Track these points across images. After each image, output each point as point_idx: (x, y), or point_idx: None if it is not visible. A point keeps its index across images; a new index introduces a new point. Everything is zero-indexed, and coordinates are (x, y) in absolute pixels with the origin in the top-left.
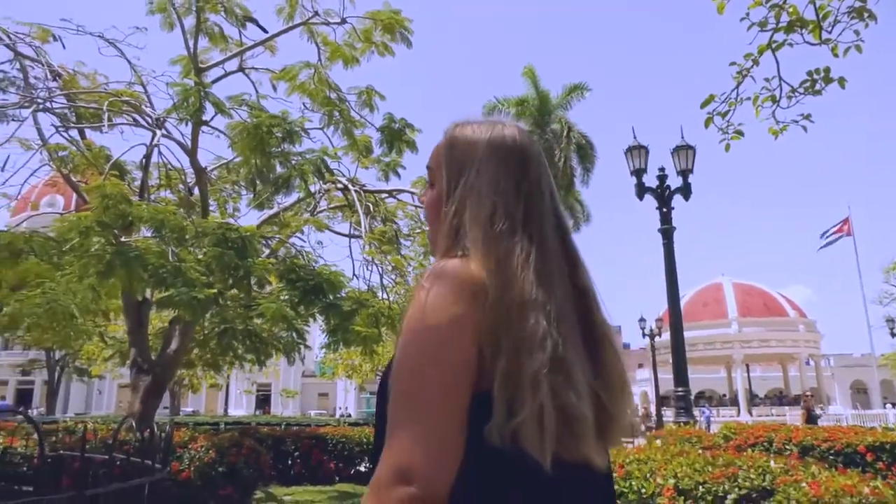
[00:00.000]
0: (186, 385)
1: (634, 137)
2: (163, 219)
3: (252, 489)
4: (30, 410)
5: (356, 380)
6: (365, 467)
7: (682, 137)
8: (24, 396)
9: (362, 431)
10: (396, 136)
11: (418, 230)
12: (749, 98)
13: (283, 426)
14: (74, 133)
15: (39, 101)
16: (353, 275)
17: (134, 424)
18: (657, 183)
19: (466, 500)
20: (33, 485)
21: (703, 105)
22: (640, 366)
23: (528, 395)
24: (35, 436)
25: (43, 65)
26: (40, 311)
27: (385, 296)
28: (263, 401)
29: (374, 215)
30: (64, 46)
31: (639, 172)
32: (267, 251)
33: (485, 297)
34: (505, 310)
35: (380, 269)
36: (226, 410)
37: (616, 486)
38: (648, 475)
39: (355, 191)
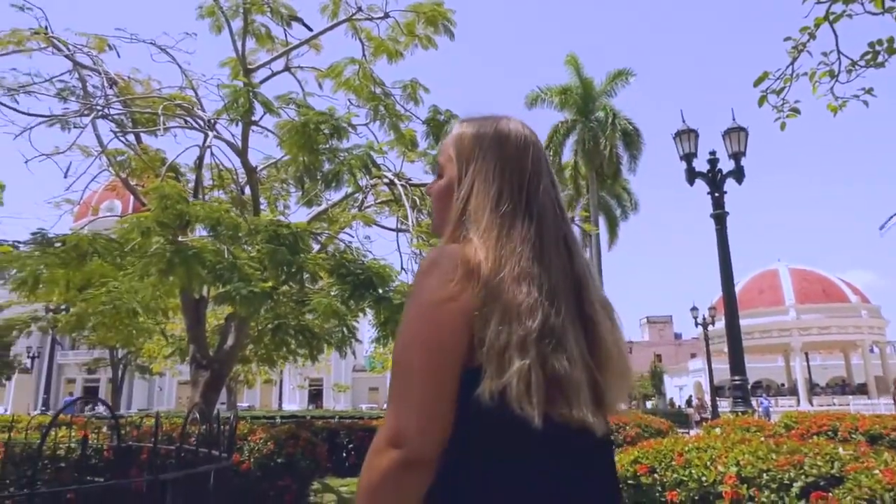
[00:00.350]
0: (242, 381)
1: (683, 121)
2: (218, 217)
3: (309, 480)
4: (95, 407)
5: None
6: None
7: (734, 119)
8: (90, 393)
9: None
10: (441, 127)
11: None
12: (805, 74)
13: (336, 419)
14: (131, 138)
15: (98, 108)
16: (402, 268)
17: (198, 417)
18: (708, 167)
19: (464, 465)
20: (105, 474)
21: (757, 83)
22: (693, 356)
23: (515, 357)
24: (104, 429)
25: (100, 73)
26: (105, 309)
27: None
28: (315, 395)
29: (420, 208)
30: (119, 55)
31: (689, 157)
32: (317, 247)
33: (478, 277)
34: (498, 282)
35: None
36: (280, 405)
37: (675, 475)
38: (709, 463)
39: (402, 185)
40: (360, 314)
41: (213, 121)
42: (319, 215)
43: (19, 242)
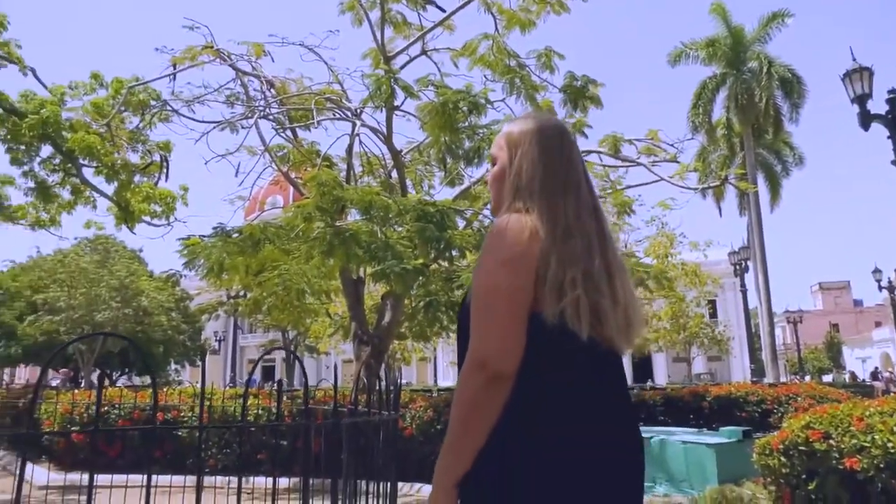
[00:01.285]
0: (399, 358)
1: (853, 59)
2: (370, 199)
3: None
4: (272, 384)
5: None
6: None
7: None
8: (268, 372)
9: None
10: (579, 93)
11: (609, 190)
12: None
13: None
14: (288, 134)
15: (259, 109)
16: None
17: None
18: (887, 108)
19: (531, 374)
20: (288, 437)
21: None
22: (878, 324)
23: (568, 290)
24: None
25: (259, 78)
26: (278, 290)
27: None
28: None
29: None
30: (273, 60)
31: (862, 99)
32: (463, 224)
33: (539, 236)
34: (552, 240)
35: None
36: (435, 381)
37: (855, 440)
38: (895, 428)
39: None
40: None
41: (359, 110)
42: (463, 193)
43: (204, 236)
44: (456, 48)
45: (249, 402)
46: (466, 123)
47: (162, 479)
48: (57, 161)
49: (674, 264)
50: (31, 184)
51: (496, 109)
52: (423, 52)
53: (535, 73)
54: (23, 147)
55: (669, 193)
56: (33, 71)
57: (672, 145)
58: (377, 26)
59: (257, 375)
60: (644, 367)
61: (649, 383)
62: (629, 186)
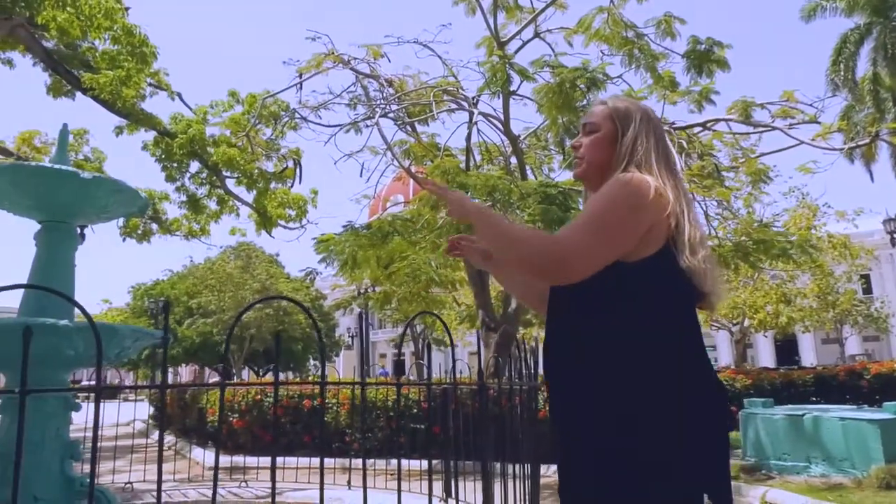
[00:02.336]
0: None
1: None
2: (493, 184)
3: None
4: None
5: None
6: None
7: None
8: (399, 366)
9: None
10: (704, 58)
11: (742, 159)
12: None
13: None
14: (408, 129)
15: (381, 107)
16: None
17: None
18: None
19: (654, 308)
20: (422, 422)
21: None
22: None
23: (700, 249)
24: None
25: (378, 78)
26: (407, 280)
27: (713, 231)
28: None
29: (688, 152)
30: (389, 60)
31: None
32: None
33: (664, 197)
34: (676, 203)
35: (703, 205)
36: None
37: None
38: None
39: (665, 130)
40: None
41: (475, 99)
42: None
43: (335, 235)
44: (569, 27)
45: (381, 393)
46: (585, 102)
47: (306, 462)
48: (204, 175)
49: (819, 237)
50: (183, 197)
51: (615, 84)
52: (536, 35)
53: (655, 41)
54: (175, 164)
55: (810, 158)
56: (179, 95)
57: (811, 105)
58: (490, 13)
59: (388, 368)
60: (788, 349)
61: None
62: (763, 154)
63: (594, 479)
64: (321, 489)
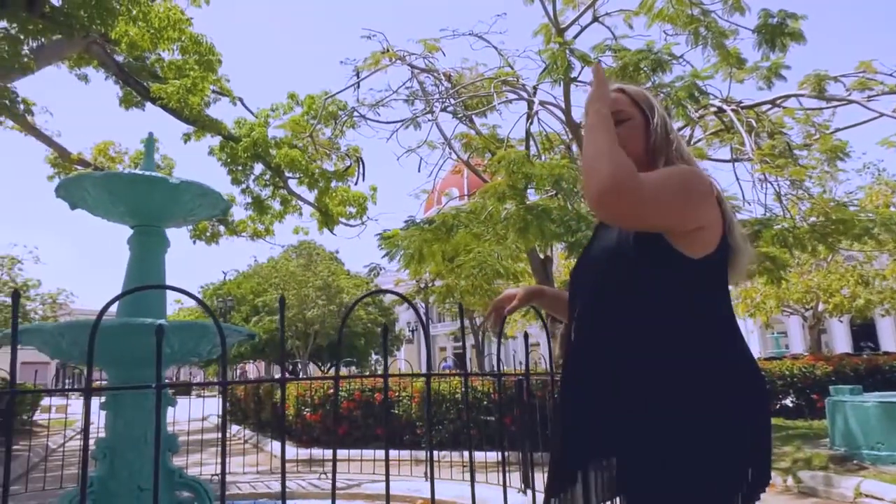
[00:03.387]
0: None
1: None
2: (559, 173)
3: None
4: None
5: (760, 317)
6: (791, 402)
7: None
8: (458, 358)
9: (783, 364)
10: (777, 31)
11: (816, 136)
12: None
13: None
14: (467, 122)
15: (440, 101)
16: (744, 199)
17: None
18: None
19: (703, 293)
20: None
21: None
22: None
23: (742, 244)
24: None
25: (435, 73)
26: (474, 272)
27: (787, 213)
28: None
29: (758, 131)
30: (444, 54)
31: None
32: None
33: (715, 192)
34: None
35: (776, 186)
36: None
37: None
38: None
39: (732, 110)
40: None
41: (535, 87)
42: None
43: (400, 230)
44: (629, 9)
45: (452, 384)
46: (649, 84)
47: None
48: (267, 176)
49: None
50: (249, 199)
51: (681, 64)
52: (595, 19)
53: (723, 17)
54: (240, 167)
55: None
56: (241, 100)
57: (891, 75)
58: (548, 0)
59: (450, 362)
60: (866, 334)
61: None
62: (839, 129)
63: (650, 464)
64: (387, 480)
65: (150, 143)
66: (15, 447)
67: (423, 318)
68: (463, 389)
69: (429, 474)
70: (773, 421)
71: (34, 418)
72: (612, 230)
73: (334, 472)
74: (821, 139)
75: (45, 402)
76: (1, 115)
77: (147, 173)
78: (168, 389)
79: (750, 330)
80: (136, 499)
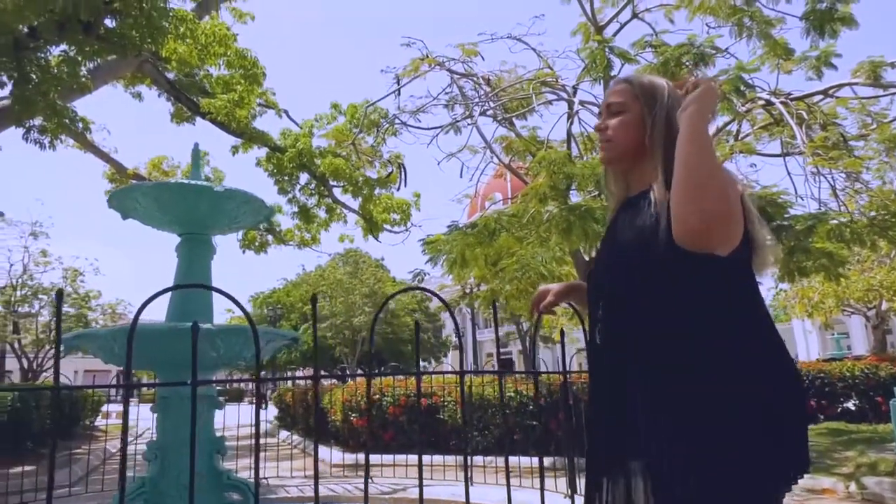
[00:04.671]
0: None
1: None
2: (601, 172)
3: None
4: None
5: (818, 317)
6: (854, 405)
7: None
8: (506, 364)
9: (843, 365)
10: (826, 17)
11: (873, 126)
12: None
13: None
14: (507, 124)
15: (480, 105)
16: (797, 195)
17: None
18: None
19: (729, 289)
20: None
21: None
22: None
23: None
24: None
25: (475, 77)
26: (518, 276)
27: (842, 207)
28: None
29: (809, 123)
30: (483, 58)
31: None
32: None
33: (739, 190)
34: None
35: (830, 179)
36: None
37: None
38: None
39: (780, 102)
40: None
41: (575, 87)
42: None
43: (443, 235)
44: (669, 3)
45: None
46: (694, 77)
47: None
48: (313, 185)
49: None
50: (295, 208)
51: (724, 57)
52: (634, 16)
53: (767, 6)
54: (286, 177)
55: None
56: (286, 112)
57: None
58: None
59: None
60: None
61: None
62: None
63: (690, 465)
64: (420, 485)
65: (196, 154)
66: (76, 451)
67: (455, 319)
68: (499, 389)
69: (465, 477)
70: (834, 425)
71: (95, 423)
72: (636, 219)
73: (367, 474)
74: (878, 129)
75: (104, 408)
76: (62, 133)
77: (192, 182)
78: (215, 394)
79: (808, 331)
80: (184, 498)
